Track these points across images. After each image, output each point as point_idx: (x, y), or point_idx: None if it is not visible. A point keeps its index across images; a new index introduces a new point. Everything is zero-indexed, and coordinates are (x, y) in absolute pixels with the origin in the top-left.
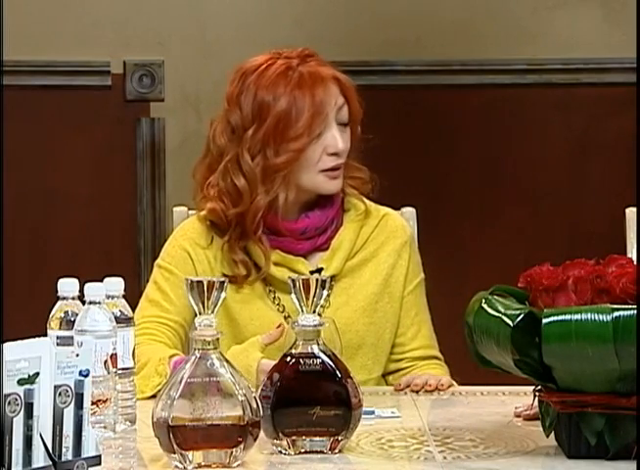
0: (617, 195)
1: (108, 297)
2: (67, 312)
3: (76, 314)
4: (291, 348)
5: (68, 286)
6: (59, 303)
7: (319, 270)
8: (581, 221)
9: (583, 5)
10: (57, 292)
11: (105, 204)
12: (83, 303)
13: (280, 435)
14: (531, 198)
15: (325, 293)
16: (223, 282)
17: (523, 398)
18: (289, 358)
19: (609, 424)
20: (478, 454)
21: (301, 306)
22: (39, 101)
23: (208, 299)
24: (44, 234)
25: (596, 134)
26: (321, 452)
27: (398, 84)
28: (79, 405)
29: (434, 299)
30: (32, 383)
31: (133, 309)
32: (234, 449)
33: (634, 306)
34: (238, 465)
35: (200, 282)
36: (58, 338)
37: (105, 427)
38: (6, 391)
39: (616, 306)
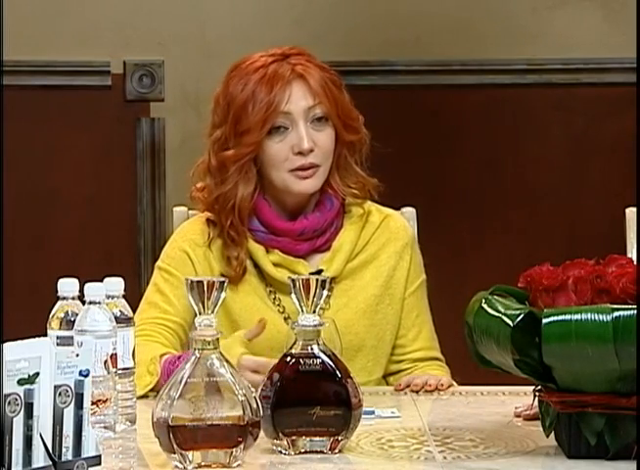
0: (617, 195)
1: (108, 297)
2: (67, 312)
3: (76, 314)
4: (291, 348)
5: (68, 286)
6: (59, 303)
7: (319, 272)
8: (581, 221)
9: (583, 5)
10: (57, 292)
11: (105, 204)
12: (83, 303)
13: (280, 435)
14: (531, 198)
15: (325, 293)
16: (223, 282)
17: (523, 398)
18: (289, 358)
19: (609, 424)
20: (478, 454)
21: (301, 306)
22: (39, 101)
23: (208, 299)
24: (44, 234)
25: (596, 134)
26: (321, 452)
27: (398, 84)
28: (79, 405)
29: (435, 299)
30: (32, 383)
31: (133, 310)
32: (234, 449)
33: (634, 306)
34: (238, 465)
35: (200, 282)
36: (58, 338)
37: (105, 427)
38: (6, 391)
39: (616, 306)
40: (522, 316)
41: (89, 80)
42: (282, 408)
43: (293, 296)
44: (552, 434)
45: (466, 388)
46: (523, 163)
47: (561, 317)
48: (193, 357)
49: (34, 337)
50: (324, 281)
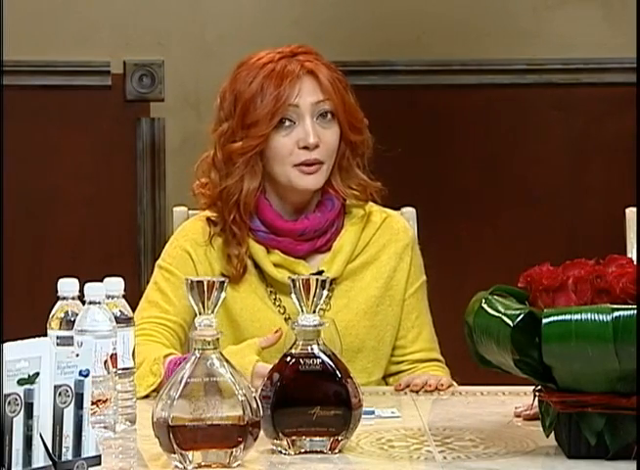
0: (617, 195)
1: (108, 297)
2: (67, 312)
3: (76, 314)
4: (291, 348)
5: (68, 286)
6: (59, 303)
7: (320, 273)
8: (581, 221)
9: (583, 5)
10: (57, 292)
11: (105, 204)
12: (83, 303)
13: (280, 435)
14: (531, 198)
15: (325, 293)
16: (223, 282)
17: (523, 398)
18: (289, 358)
19: (609, 424)
20: (478, 454)
21: (301, 307)
22: (39, 101)
23: (208, 299)
24: (44, 234)
25: (596, 134)
26: (321, 452)
27: (398, 84)
28: (79, 405)
29: (434, 299)
30: (32, 383)
31: (133, 309)
32: (234, 449)
33: (634, 306)
34: (238, 465)
35: (200, 282)
36: (58, 338)
37: (105, 427)
38: (6, 391)
39: (616, 306)
40: (522, 316)
41: (89, 80)
42: (282, 408)
43: (293, 296)
44: (552, 434)
45: (466, 388)
46: (522, 163)
47: (561, 317)
48: (193, 357)
49: (34, 337)
50: (324, 281)
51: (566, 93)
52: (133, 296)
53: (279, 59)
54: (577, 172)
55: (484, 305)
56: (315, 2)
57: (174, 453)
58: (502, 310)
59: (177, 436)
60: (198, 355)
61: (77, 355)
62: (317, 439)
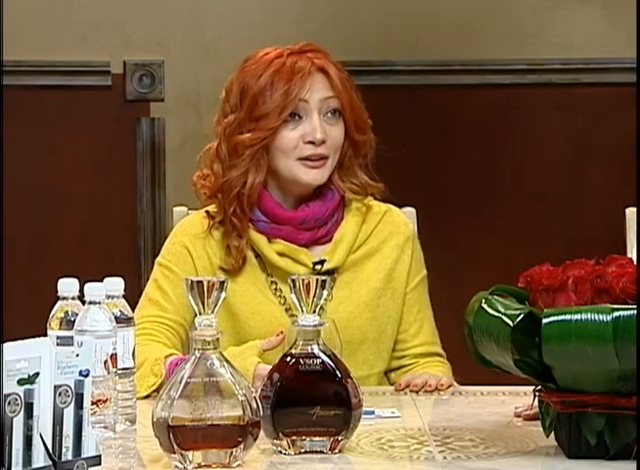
0: (617, 195)
1: (108, 297)
2: (67, 312)
3: (76, 314)
4: (291, 348)
5: (68, 286)
6: (59, 303)
7: (322, 262)
8: (581, 221)
9: (583, 5)
10: (57, 292)
11: (105, 204)
12: (83, 303)
13: (280, 435)
14: (531, 198)
15: (325, 293)
16: (223, 282)
17: (523, 398)
18: (289, 358)
19: (609, 424)
20: (478, 454)
21: (301, 306)
22: (39, 101)
23: (208, 299)
24: (44, 234)
25: (596, 134)
26: (321, 452)
27: (399, 84)
28: (79, 405)
29: (434, 299)
30: (32, 383)
31: (133, 309)
32: (234, 449)
33: (634, 306)
34: (238, 465)
35: (200, 282)
36: (58, 338)
37: (105, 427)
38: (6, 391)
39: (616, 306)
40: (522, 316)
41: (89, 80)
42: (282, 408)
43: (293, 296)
44: (552, 434)
45: (466, 388)
46: (523, 163)
47: (561, 317)
48: (193, 357)
49: (34, 337)
50: (324, 281)
51: (566, 93)
52: (133, 296)
53: (289, 54)
54: (577, 172)
55: (484, 305)
56: (315, 2)
57: (174, 453)
58: (502, 310)
59: (177, 436)
60: (198, 355)
61: (77, 355)
62: (317, 439)
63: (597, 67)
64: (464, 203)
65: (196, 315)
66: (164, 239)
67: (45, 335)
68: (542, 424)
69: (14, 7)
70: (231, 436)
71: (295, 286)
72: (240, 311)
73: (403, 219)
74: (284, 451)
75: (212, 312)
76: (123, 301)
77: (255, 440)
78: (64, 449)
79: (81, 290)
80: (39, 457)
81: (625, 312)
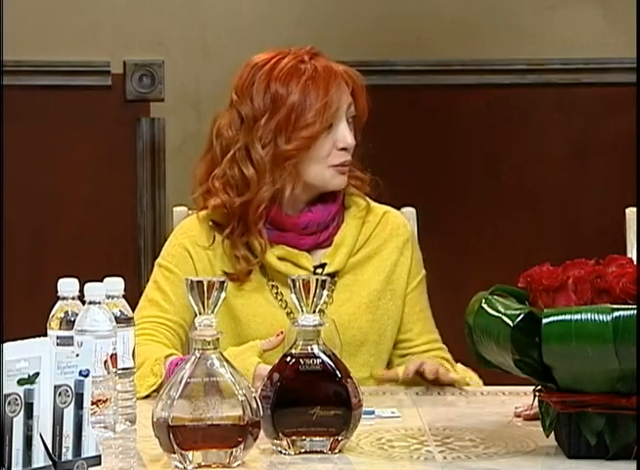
0: (617, 195)
1: (108, 297)
2: (67, 312)
3: (76, 314)
4: (291, 348)
5: (68, 286)
6: (59, 303)
7: (322, 265)
8: (581, 221)
9: (583, 5)
10: (57, 292)
11: (105, 204)
12: (83, 303)
13: (280, 435)
14: (531, 198)
15: (325, 293)
16: (223, 282)
17: (523, 398)
18: (289, 358)
19: (609, 424)
20: (478, 454)
21: (301, 306)
22: (39, 101)
23: (208, 299)
24: (44, 234)
25: (596, 134)
26: (321, 452)
27: (399, 84)
28: (79, 405)
29: (435, 299)
30: (32, 383)
31: (133, 309)
32: (234, 449)
33: (634, 306)
34: (238, 465)
35: (200, 282)
36: (58, 338)
37: (105, 427)
38: (6, 391)
39: (616, 306)
40: (522, 316)
41: (89, 80)
42: (282, 408)
43: (293, 296)
44: (552, 434)
45: (466, 388)
46: (522, 163)
47: (561, 317)
48: (193, 357)
49: (34, 337)
50: (324, 281)
51: (566, 93)
52: (133, 296)
53: (310, 59)
54: (577, 172)
55: (484, 305)
56: (315, 2)
57: (174, 453)
58: (502, 310)
59: (177, 436)
60: (198, 355)
61: (77, 355)
62: (317, 439)
63: (597, 67)
64: (464, 203)
65: (196, 316)
66: (164, 239)
67: (45, 335)
68: (542, 424)
69: (14, 7)
70: (231, 436)
71: (295, 286)
72: (241, 314)
73: (402, 221)
74: (284, 451)
75: (212, 312)
76: (123, 301)
77: (255, 440)
78: (64, 449)
79: (81, 290)
80: (39, 457)
81: (625, 312)
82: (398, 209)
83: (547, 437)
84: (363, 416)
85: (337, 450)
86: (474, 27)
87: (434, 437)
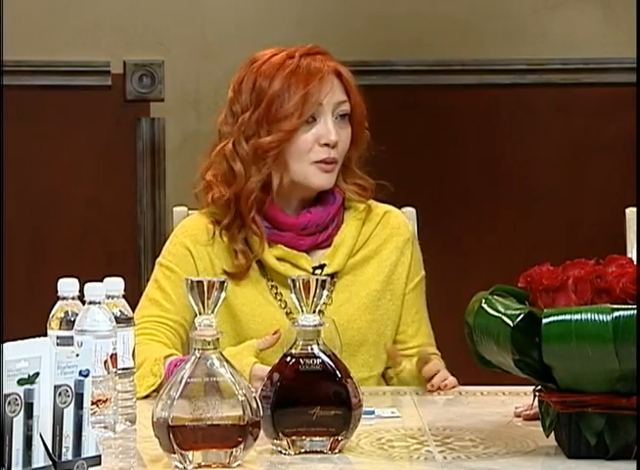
0: (617, 195)
1: (108, 297)
2: (67, 312)
3: (76, 314)
4: (291, 348)
5: (68, 286)
6: (59, 303)
7: (322, 266)
8: (581, 221)
9: (583, 5)
10: (57, 292)
11: (105, 204)
12: (83, 303)
13: (280, 435)
14: (531, 198)
15: (325, 293)
16: (223, 282)
17: (523, 398)
18: (289, 358)
19: (609, 424)
20: (478, 454)
21: (301, 306)
22: (39, 101)
23: (208, 299)
24: (44, 234)
25: (596, 134)
26: (321, 452)
27: (398, 84)
28: (79, 405)
29: (434, 299)
30: (32, 383)
31: (133, 310)
32: (234, 449)
33: (634, 306)
34: (238, 465)
35: (200, 282)
36: (58, 338)
37: (105, 427)
38: (6, 391)
39: (616, 306)
40: (522, 316)
41: (89, 80)
42: (282, 408)
43: (292, 296)
44: (552, 434)
45: (466, 388)
46: (523, 163)
47: (561, 317)
48: (193, 357)
49: (34, 337)
50: (324, 281)
51: (566, 93)
52: (133, 296)
53: (300, 56)
54: (577, 172)
55: (484, 305)
56: (315, 2)
57: (174, 453)
58: (502, 310)
59: (177, 436)
60: (198, 355)
61: (77, 355)
62: (317, 439)
63: (597, 67)
64: (464, 203)
65: (196, 315)
66: (164, 239)
67: (45, 335)
68: (542, 424)
69: (14, 7)
70: (231, 436)
71: (294, 286)
72: (241, 313)
73: (403, 221)
74: (284, 451)
75: (212, 312)
76: (123, 301)
77: (255, 440)
78: (64, 449)
79: (81, 290)
80: (39, 457)
81: (625, 312)
82: (398, 208)
83: (547, 437)
84: (363, 416)
85: (337, 450)
86: (474, 27)
87: (434, 437)
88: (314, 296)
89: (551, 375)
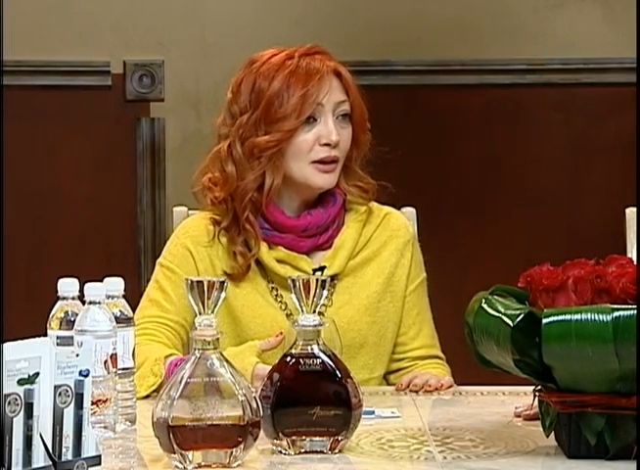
0: (617, 195)
1: (108, 297)
2: (67, 312)
3: (76, 314)
4: (291, 348)
5: (68, 286)
6: (59, 303)
7: (322, 268)
8: (581, 221)
9: (583, 5)
10: (57, 292)
11: (105, 204)
12: (83, 303)
13: (280, 435)
14: (531, 198)
15: (325, 293)
16: (223, 282)
17: (523, 398)
18: (289, 358)
19: (609, 424)
20: (478, 454)
21: (301, 306)
22: (39, 101)
23: (209, 299)
24: (44, 234)
25: (596, 134)
26: (321, 452)
27: (398, 84)
28: (79, 405)
29: (435, 299)
30: (32, 383)
31: (133, 309)
32: (234, 449)
33: (634, 306)
34: (238, 465)
35: (200, 282)
36: (58, 338)
37: (105, 427)
38: (6, 391)
39: (616, 306)
40: (522, 316)
41: (89, 80)
42: (282, 408)
43: (293, 296)
44: (552, 434)
45: (466, 388)
46: (523, 163)
47: (561, 317)
48: (193, 357)
49: (34, 337)
50: (324, 281)
51: (566, 93)
52: (133, 296)
53: (300, 56)
54: (577, 172)
55: (484, 305)
56: (315, 2)
57: (174, 453)
58: (502, 310)
59: (177, 436)
60: (198, 355)
61: (77, 355)
62: (317, 439)
63: (597, 67)
64: (464, 203)
65: (196, 316)
66: (164, 239)
67: (45, 335)
68: (542, 424)
69: (14, 7)
70: (231, 436)
71: (294, 286)
72: (241, 315)
73: (403, 222)
74: (284, 451)
75: (212, 312)
76: (123, 301)
77: (255, 440)
78: (64, 449)
79: (81, 290)
80: (39, 457)
81: (625, 312)
82: (398, 209)
83: (547, 437)
84: (363, 416)
85: (337, 450)
86: (474, 27)
87: (434, 437)
88: (314, 296)
89: (551, 375)
